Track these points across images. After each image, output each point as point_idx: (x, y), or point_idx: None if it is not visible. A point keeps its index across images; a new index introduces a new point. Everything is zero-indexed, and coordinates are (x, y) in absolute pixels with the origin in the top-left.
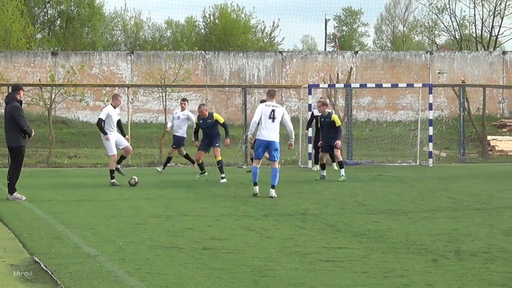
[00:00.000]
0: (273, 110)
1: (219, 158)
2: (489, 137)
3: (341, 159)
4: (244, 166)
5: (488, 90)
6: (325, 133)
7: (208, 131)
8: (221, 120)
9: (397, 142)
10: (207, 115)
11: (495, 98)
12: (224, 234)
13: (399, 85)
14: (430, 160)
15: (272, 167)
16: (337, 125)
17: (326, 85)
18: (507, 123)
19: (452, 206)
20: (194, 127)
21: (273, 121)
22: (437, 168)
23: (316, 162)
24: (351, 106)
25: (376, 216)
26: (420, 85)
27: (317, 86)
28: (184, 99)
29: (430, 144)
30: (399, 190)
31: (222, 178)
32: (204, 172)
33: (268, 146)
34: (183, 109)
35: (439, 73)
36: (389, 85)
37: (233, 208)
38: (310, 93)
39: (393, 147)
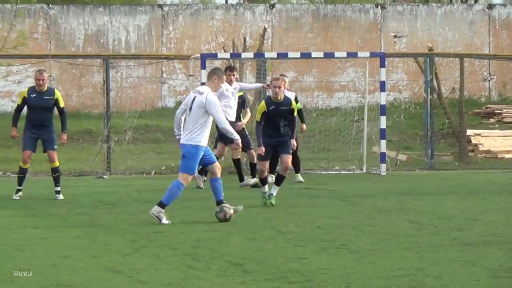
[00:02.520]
0: (194, 98)
1: (57, 164)
2: (469, 132)
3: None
4: (105, 176)
5: (468, 61)
6: (272, 127)
7: (40, 114)
8: (62, 103)
9: (333, 139)
10: (46, 88)
11: (478, 73)
12: (76, 278)
13: (336, 54)
14: (383, 166)
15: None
16: (294, 115)
17: (228, 55)
18: (496, 111)
19: (416, 234)
20: (19, 103)
21: (189, 114)
22: (393, 177)
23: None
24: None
25: (302, 250)
26: (368, 54)
27: (214, 56)
28: None
29: (383, 142)
30: (337, 211)
31: (58, 193)
32: (20, 191)
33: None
34: None
35: (395, 36)
36: (322, 55)
37: (89, 239)
38: (203, 66)
39: (328, 147)
